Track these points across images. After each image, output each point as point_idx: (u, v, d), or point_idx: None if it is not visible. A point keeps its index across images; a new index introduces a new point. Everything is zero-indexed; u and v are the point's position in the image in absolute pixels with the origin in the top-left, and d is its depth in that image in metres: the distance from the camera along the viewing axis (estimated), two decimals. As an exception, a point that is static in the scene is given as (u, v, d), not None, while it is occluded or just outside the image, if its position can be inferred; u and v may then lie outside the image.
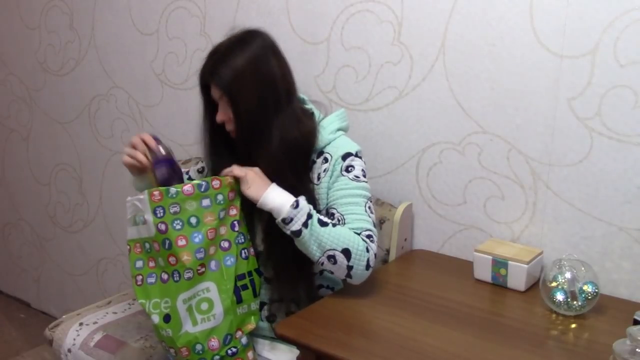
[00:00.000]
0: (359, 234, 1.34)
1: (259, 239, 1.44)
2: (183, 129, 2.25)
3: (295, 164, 1.41)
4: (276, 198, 1.31)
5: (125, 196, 2.46)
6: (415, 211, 1.74)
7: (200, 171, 1.62)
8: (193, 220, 1.29)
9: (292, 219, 1.29)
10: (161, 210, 1.27)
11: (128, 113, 2.41)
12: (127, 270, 2.57)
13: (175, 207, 1.28)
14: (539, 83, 1.48)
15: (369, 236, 1.35)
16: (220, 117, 1.41)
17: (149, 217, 1.27)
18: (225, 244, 1.34)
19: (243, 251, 1.37)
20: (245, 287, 1.35)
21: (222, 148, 1.47)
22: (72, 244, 2.81)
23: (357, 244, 1.32)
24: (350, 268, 1.32)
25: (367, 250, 1.33)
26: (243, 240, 1.38)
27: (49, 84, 2.69)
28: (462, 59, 1.58)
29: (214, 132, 1.46)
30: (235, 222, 1.35)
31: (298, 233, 1.30)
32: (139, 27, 2.28)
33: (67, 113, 2.66)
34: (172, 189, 1.28)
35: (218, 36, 2.07)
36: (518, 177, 1.55)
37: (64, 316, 1.85)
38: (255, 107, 1.37)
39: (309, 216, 1.30)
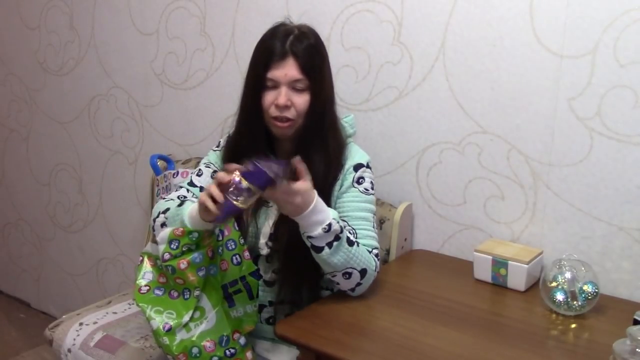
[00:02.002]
0: (370, 252, 1.35)
1: (262, 242, 1.43)
2: (183, 129, 2.25)
3: (337, 171, 1.42)
4: (313, 216, 1.25)
5: (125, 196, 2.49)
6: (415, 211, 1.74)
7: (213, 177, 1.50)
8: (193, 247, 1.30)
9: (316, 237, 1.26)
10: (175, 244, 1.28)
11: (128, 113, 2.41)
12: (127, 270, 2.58)
13: (188, 246, 1.29)
14: (539, 83, 1.48)
15: (377, 255, 1.37)
16: (283, 99, 1.35)
17: (162, 245, 1.29)
18: (210, 253, 1.34)
19: (234, 257, 1.36)
20: (238, 291, 1.35)
21: (259, 135, 1.42)
22: (72, 244, 2.81)
23: (372, 265, 1.34)
24: (358, 285, 1.34)
25: (375, 269, 1.35)
26: (234, 246, 1.36)
27: (49, 84, 2.69)
28: (462, 59, 1.58)
29: (256, 117, 1.40)
30: (219, 232, 1.35)
31: (319, 249, 1.28)
32: (139, 27, 2.29)
33: (67, 113, 2.66)
34: (194, 233, 1.28)
35: (218, 36, 2.08)
36: (518, 177, 1.55)
37: (64, 316, 1.85)
38: (329, 98, 1.43)
39: (337, 238, 1.27)
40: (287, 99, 1.35)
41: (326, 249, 1.27)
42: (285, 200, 1.22)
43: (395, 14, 1.67)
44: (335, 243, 1.27)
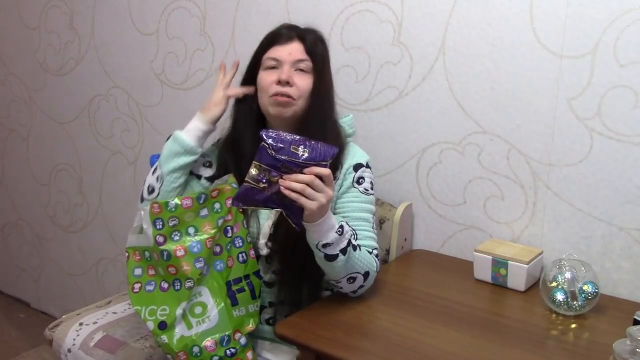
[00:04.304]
0: (370, 253, 1.35)
1: (262, 242, 1.43)
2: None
3: (335, 169, 1.40)
4: (328, 220, 1.22)
5: (125, 196, 2.49)
6: (415, 211, 1.74)
7: (206, 165, 1.50)
8: (191, 230, 1.30)
9: (331, 244, 1.24)
10: (160, 223, 1.28)
11: (128, 113, 2.41)
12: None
13: (174, 220, 1.28)
14: (539, 83, 1.48)
15: (376, 255, 1.37)
16: (286, 74, 1.34)
17: (149, 228, 1.28)
18: (217, 249, 1.34)
19: (240, 255, 1.36)
20: (241, 289, 1.35)
21: (252, 117, 1.43)
22: (72, 244, 2.81)
23: (373, 267, 1.34)
24: (361, 287, 1.34)
25: (376, 270, 1.35)
26: (241, 243, 1.37)
27: (49, 84, 2.69)
28: (462, 59, 1.58)
29: (251, 98, 1.43)
30: (229, 228, 1.35)
31: (333, 258, 1.25)
32: (139, 27, 2.28)
33: (67, 113, 2.66)
34: (172, 202, 1.28)
35: (218, 36, 2.08)
36: (518, 177, 1.55)
37: (64, 316, 1.85)
38: (329, 90, 1.44)
39: (349, 242, 1.26)
40: (289, 75, 1.35)
41: (340, 256, 1.25)
42: (320, 190, 1.17)
43: (395, 14, 1.67)
44: (349, 249, 1.25)
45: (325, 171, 1.17)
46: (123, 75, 2.39)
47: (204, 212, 1.31)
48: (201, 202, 1.30)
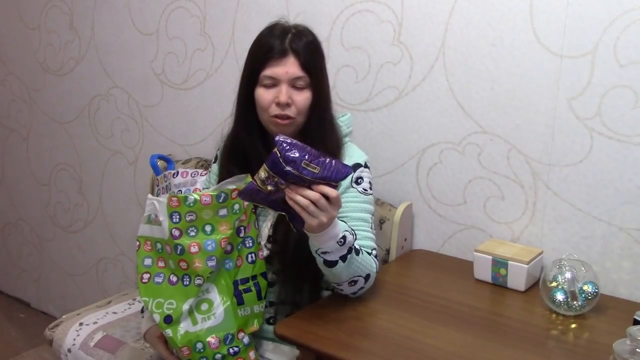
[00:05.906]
0: (369, 254, 1.34)
1: (262, 244, 1.42)
2: (183, 129, 2.25)
3: None
4: (331, 230, 1.20)
5: (125, 196, 2.49)
6: (415, 211, 1.74)
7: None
8: (208, 228, 1.29)
9: (330, 252, 1.23)
10: (177, 216, 1.28)
11: (128, 113, 2.41)
12: (127, 270, 2.58)
13: (192, 215, 1.28)
14: (539, 83, 1.48)
15: (375, 256, 1.37)
16: (285, 97, 1.33)
17: (165, 221, 1.28)
18: (228, 248, 1.34)
19: (249, 255, 1.36)
20: (248, 290, 1.35)
21: (253, 125, 1.41)
22: (72, 244, 2.81)
23: (373, 268, 1.34)
24: (361, 289, 1.34)
25: (376, 271, 1.35)
26: (252, 244, 1.37)
27: (49, 84, 2.69)
28: (462, 59, 1.58)
29: (253, 114, 1.40)
30: (242, 228, 1.35)
31: (333, 264, 1.25)
32: (139, 27, 2.29)
33: (67, 113, 2.66)
34: (190, 197, 1.27)
35: (218, 36, 2.08)
36: (518, 177, 1.55)
37: (64, 316, 1.85)
38: (328, 97, 1.42)
39: (350, 250, 1.25)
40: (288, 96, 1.34)
41: (340, 263, 1.24)
42: (324, 209, 1.15)
43: (395, 14, 1.67)
44: (349, 256, 1.25)
45: (333, 192, 1.14)
46: (123, 75, 2.39)
47: (223, 211, 1.31)
48: (221, 201, 1.30)
